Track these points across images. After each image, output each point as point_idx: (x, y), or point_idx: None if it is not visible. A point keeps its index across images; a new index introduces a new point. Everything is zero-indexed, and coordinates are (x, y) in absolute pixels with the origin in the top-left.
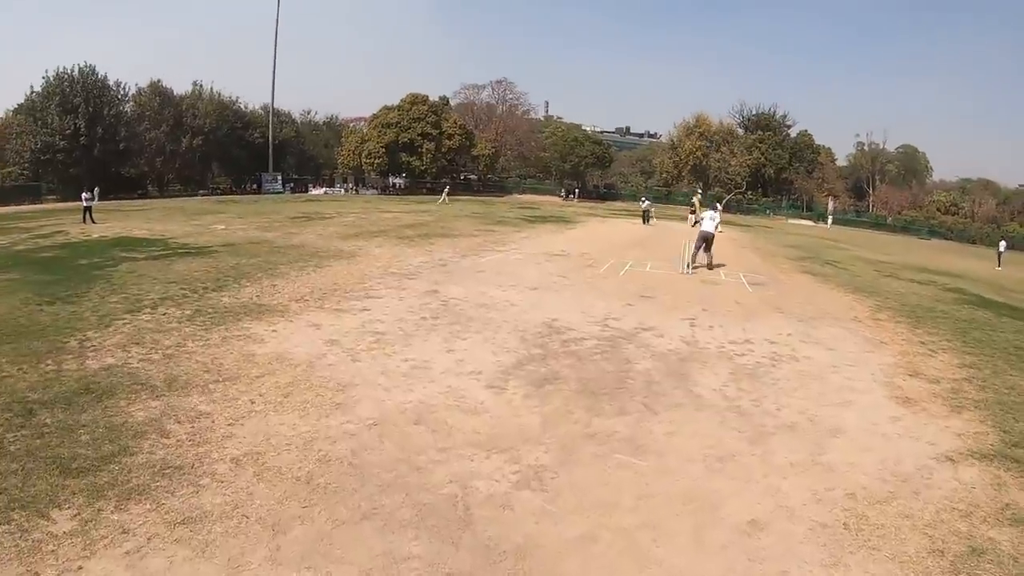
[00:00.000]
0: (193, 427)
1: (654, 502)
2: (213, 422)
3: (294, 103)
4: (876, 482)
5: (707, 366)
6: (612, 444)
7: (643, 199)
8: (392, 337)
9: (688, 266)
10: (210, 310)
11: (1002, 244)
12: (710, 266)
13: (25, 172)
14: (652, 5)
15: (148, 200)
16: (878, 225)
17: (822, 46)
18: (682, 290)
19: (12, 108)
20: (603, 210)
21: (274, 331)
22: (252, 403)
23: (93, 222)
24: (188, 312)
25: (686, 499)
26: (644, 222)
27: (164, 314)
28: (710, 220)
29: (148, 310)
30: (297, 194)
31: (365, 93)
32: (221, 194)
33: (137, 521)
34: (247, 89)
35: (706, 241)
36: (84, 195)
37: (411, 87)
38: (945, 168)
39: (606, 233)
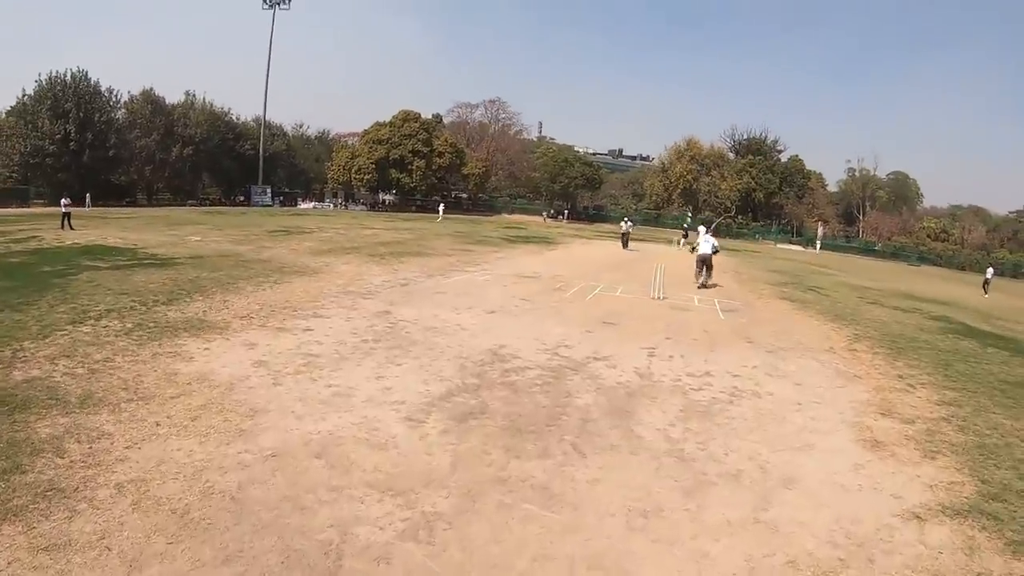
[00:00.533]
0: (91, 448)
1: (552, 566)
2: (112, 443)
3: (287, 116)
4: (825, 547)
5: (656, 402)
6: (523, 492)
7: (625, 220)
8: (324, 360)
9: (696, 284)
10: (151, 324)
11: (989, 271)
12: (705, 285)
13: (14, 175)
14: (648, 30)
15: (135, 208)
16: (867, 251)
17: (814, 72)
18: (650, 316)
19: (5, 110)
20: (590, 232)
21: (207, 349)
22: (157, 425)
23: (71, 228)
24: (129, 325)
25: (592, 564)
26: (623, 246)
27: (105, 327)
28: (706, 243)
29: (91, 322)
30: (286, 207)
31: (360, 109)
32: (210, 205)
33: (3, 543)
34: (240, 101)
35: (704, 263)
36: (63, 201)
37: (405, 105)
38: (936, 195)
39: (585, 255)
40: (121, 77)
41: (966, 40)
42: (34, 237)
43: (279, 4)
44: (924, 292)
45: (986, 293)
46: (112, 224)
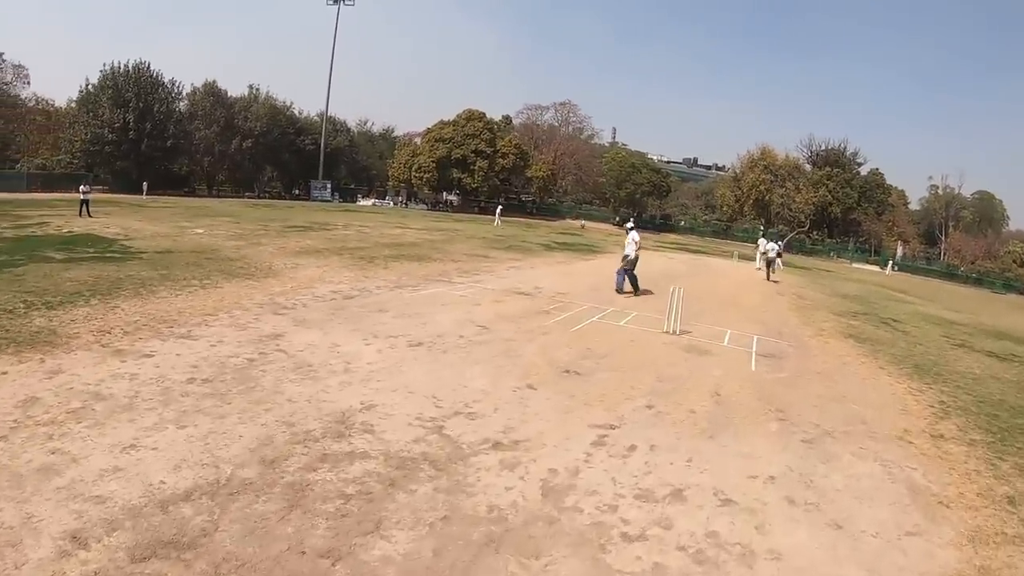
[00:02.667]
0: None
1: None
2: None
3: (352, 113)
4: None
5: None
6: None
7: (763, 239)
8: (105, 407)
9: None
10: None
11: None
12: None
13: (75, 161)
14: (728, 39)
15: (189, 198)
16: (950, 275)
17: (896, 85)
18: (643, 362)
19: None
20: (652, 242)
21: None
22: None
23: (89, 215)
24: None
25: None
26: (768, 269)
27: None
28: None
29: None
30: (344, 203)
31: (428, 109)
32: (269, 198)
33: None
34: (306, 96)
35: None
36: (82, 187)
37: (476, 105)
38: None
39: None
40: (196, 71)
41: None
42: (43, 223)
43: (343, 0)
44: (1017, 328)
45: None
46: (135, 213)
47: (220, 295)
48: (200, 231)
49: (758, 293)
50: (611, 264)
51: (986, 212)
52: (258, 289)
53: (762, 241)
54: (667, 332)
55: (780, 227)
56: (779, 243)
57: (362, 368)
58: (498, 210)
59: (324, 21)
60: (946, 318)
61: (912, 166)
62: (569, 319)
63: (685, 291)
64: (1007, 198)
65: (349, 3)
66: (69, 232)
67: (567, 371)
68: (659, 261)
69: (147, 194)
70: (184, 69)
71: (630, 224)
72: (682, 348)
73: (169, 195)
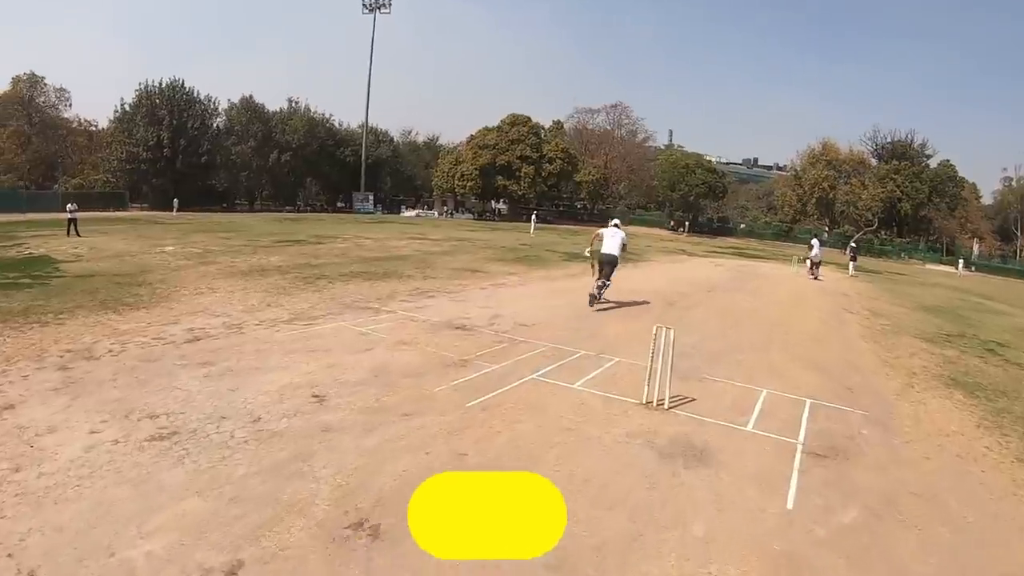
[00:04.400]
0: None
1: None
2: None
3: (394, 123)
4: None
5: None
6: None
7: (816, 241)
8: None
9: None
10: None
11: None
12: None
13: (112, 181)
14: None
15: (218, 214)
16: None
17: (963, 72)
18: (584, 475)
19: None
20: (705, 247)
21: None
22: None
23: (78, 235)
24: None
25: None
26: (811, 271)
27: None
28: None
29: None
30: (386, 215)
31: (473, 116)
32: (313, 211)
33: None
34: (348, 109)
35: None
36: (68, 207)
37: (524, 110)
38: None
39: (645, 284)
40: (240, 87)
41: None
42: (19, 244)
43: (380, 8)
44: None
45: None
46: (133, 231)
47: (47, 334)
48: (169, 248)
49: (818, 310)
50: (636, 277)
51: None
52: (108, 325)
53: (815, 242)
54: (647, 404)
55: (846, 227)
56: (852, 244)
57: (29, 482)
58: (533, 217)
59: (366, 30)
60: None
61: (983, 157)
62: (488, 378)
63: (721, 309)
64: None
65: (385, 11)
66: (29, 254)
67: (348, 535)
68: (702, 269)
69: (177, 211)
70: (226, 86)
71: (615, 221)
72: (661, 448)
73: (204, 211)
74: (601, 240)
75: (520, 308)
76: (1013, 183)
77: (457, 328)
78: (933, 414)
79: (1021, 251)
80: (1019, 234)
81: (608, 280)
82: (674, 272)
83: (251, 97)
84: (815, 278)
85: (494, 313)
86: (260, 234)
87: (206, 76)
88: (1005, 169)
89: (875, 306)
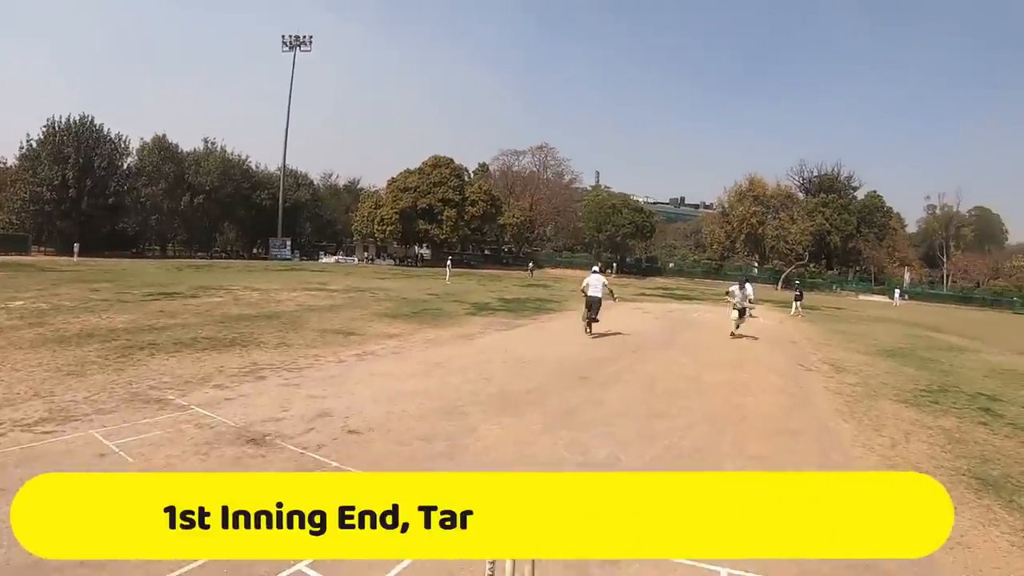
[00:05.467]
0: None
1: None
2: None
3: (315, 166)
4: None
5: None
6: None
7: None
8: None
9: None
10: None
11: None
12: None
13: (15, 223)
14: (713, 74)
15: (125, 260)
16: (964, 299)
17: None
18: None
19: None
20: (633, 288)
21: None
22: None
23: None
24: None
25: None
26: (738, 318)
27: None
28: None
29: None
30: (303, 261)
31: (397, 159)
32: (225, 257)
33: None
34: (270, 151)
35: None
36: None
37: (449, 153)
38: (1018, 230)
39: (551, 345)
40: (179, 130)
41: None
42: None
43: (300, 46)
44: None
45: None
46: None
47: None
48: (18, 303)
49: (771, 372)
50: (544, 337)
51: (986, 228)
52: None
53: (735, 290)
54: None
55: (775, 262)
56: (797, 282)
57: None
58: (448, 263)
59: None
60: None
61: (905, 188)
62: None
63: (649, 382)
64: (1005, 212)
65: (306, 49)
66: None
67: None
68: (627, 318)
69: (79, 256)
70: (139, 124)
71: (595, 268)
72: None
73: (111, 256)
74: (588, 286)
75: (367, 397)
76: (937, 210)
77: (249, 442)
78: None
79: (947, 277)
80: (944, 260)
81: (596, 317)
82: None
83: (164, 136)
84: (736, 328)
85: (323, 408)
86: (138, 285)
87: (119, 114)
88: (928, 197)
89: (831, 356)
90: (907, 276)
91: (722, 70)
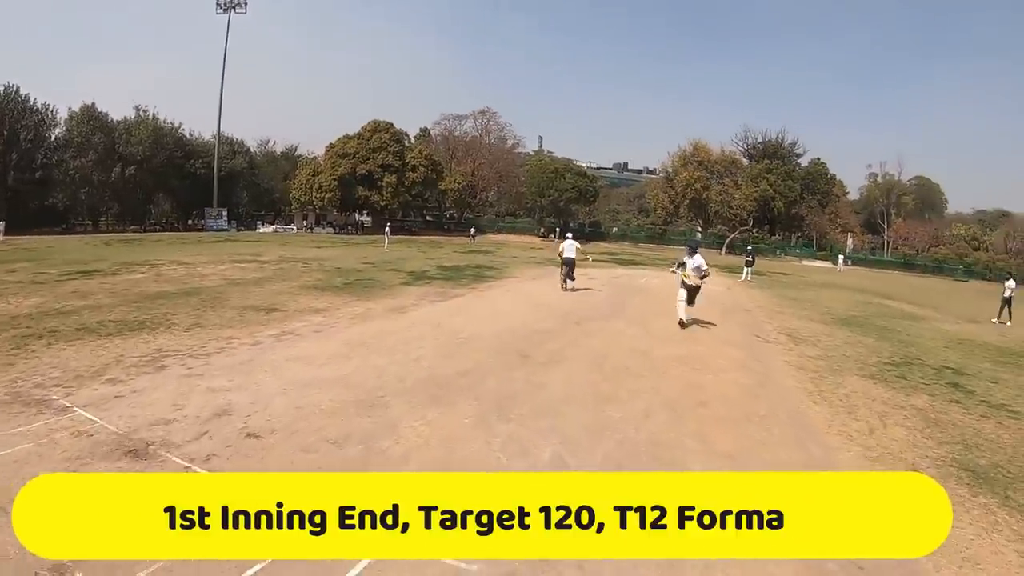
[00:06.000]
0: None
1: None
2: None
3: (251, 133)
4: None
5: None
6: None
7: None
8: None
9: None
10: None
11: (1010, 284)
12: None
13: None
14: (657, 39)
15: (52, 236)
16: (906, 265)
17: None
18: None
19: None
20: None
21: None
22: None
23: None
24: None
25: None
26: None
27: None
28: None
29: None
30: (241, 232)
31: (338, 124)
32: (159, 230)
33: None
34: (204, 119)
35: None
36: None
37: (391, 118)
38: (956, 200)
39: (492, 318)
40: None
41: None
42: None
43: (235, 7)
44: None
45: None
46: None
47: None
48: None
49: (727, 345)
50: (486, 306)
51: (927, 197)
52: None
53: (687, 260)
54: None
55: (719, 227)
56: (749, 247)
57: None
58: (386, 231)
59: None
60: (992, 342)
61: (848, 156)
62: None
63: (596, 359)
64: (945, 182)
65: (241, 11)
66: None
67: None
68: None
69: (4, 235)
70: (68, 94)
71: (569, 234)
72: None
73: (39, 234)
74: (563, 250)
75: (275, 388)
76: (878, 178)
77: (128, 453)
78: None
79: (888, 244)
80: (886, 227)
81: (572, 275)
82: (537, 293)
83: (93, 105)
84: (684, 315)
85: (224, 405)
86: (59, 264)
87: (47, 83)
88: (870, 166)
89: (787, 325)
90: (850, 242)
91: (665, 37)
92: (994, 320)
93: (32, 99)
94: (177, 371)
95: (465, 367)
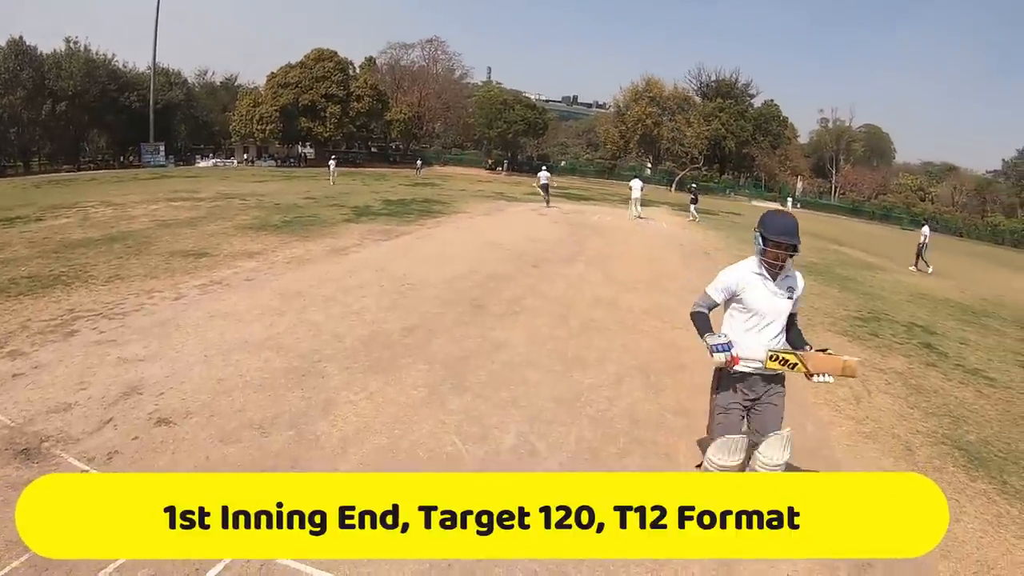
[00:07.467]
0: None
1: None
2: None
3: (188, 62)
4: None
5: None
6: None
7: (640, 182)
8: None
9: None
10: None
11: (925, 231)
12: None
13: None
14: None
15: None
16: (854, 211)
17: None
18: None
19: None
20: (525, 188)
21: None
22: None
23: None
24: None
25: None
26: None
27: None
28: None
29: None
30: (179, 167)
31: (280, 53)
32: (94, 168)
33: None
34: (137, 48)
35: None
36: None
37: (335, 47)
38: (904, 151)
39: (442, 261)
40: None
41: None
42: None
43: None
44: None
45: (926, 268)
46: None
47: None
48: None
49: (693, 293)
50: (435, 246)
51: (876, 145)
52: None
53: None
54: None
55: (669, 164)
56: (692, 186)
57: None
58: (331, 163)
59: None
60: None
61: (800, 100)
62: None
63: (560, 309)
64: (894, 131)
65: None
66: None
67: None
68: (524, 222)
69: None
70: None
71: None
72: None
73: None
74: (539, 180)
75: (196, 355)
76: (829, 124)
77: (19, 454)
78: None
79: (836, 188)
80: (834, 172)
81: (548, 198)
82: (490, 230)
83: (21, 38)
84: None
85: (135, 381)
86: None
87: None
88: (822, 110)
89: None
90: (799, 184)
91: None
92: (911, 267)
93: None
94: (88, 336)
95: (412, 321)
